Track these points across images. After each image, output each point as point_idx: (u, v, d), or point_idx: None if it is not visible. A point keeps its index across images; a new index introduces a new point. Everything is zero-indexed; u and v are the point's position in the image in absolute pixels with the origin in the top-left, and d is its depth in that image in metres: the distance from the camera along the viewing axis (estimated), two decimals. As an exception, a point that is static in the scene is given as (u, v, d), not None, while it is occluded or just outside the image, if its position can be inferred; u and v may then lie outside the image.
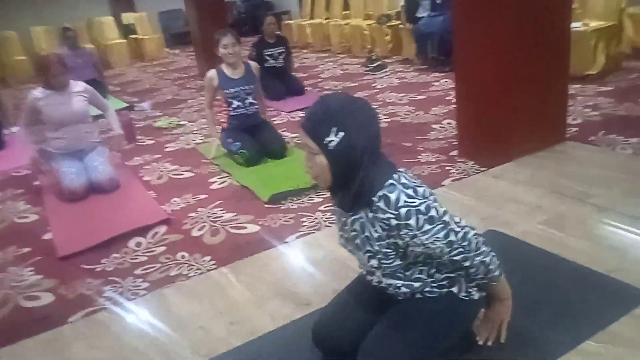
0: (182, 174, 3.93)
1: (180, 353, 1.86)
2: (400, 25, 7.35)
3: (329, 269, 2.25)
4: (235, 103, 3.91)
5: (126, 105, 6.49)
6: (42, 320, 2.28)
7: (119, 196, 3.61)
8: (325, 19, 9.60)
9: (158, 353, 1.87)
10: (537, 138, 3.18)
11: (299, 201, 3.16)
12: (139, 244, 2.89)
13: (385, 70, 6.85)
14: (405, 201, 1.32)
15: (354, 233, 1.45)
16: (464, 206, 2.64)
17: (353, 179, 1.36)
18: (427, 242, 1.34)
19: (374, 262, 1.44)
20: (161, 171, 4.05)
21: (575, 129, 3.61)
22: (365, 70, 6.97)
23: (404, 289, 1.48)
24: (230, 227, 2.95)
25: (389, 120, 4.61)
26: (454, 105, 4.71)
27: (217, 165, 3.98)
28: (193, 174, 3.90)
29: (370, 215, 1.38)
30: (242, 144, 3.82)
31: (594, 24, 4.99)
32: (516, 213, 2.49)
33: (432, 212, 1.33)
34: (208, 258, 2.63)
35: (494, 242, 1.95)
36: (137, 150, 4.66)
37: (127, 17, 12.18)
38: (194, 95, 6.89)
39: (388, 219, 1.33)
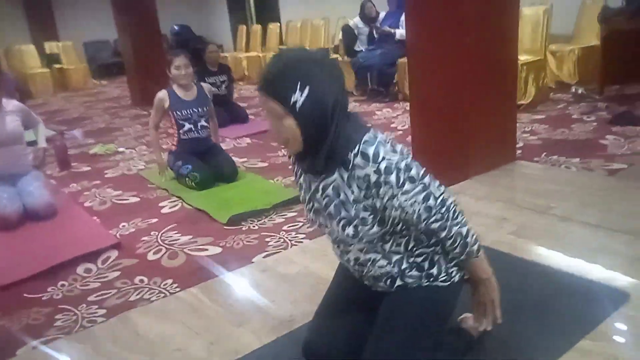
0: (127, 199, 3.71)
1: (157, 378, 1.69)
2: (339, 59, 7.50)
3: (307, 283, 2.16)
4: (187, 126, 3.76)
5: (54, 133, 6.10)
6: (-17, 355, 2.02)
7: (58, 222, 3.33)
8: (262, 51, 9.66)
9: (131, 379, 1.69)
10: (491, 158, 3.28)
11: (259, 222, 3.06)
12: (88, 270, 2.66)
13: (325, 100, 6.92)
14: (384, 156, 1.23)
15: (326, 200, 1.33)
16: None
17: (325, 138, 1.24)
18: (406, 204, 1.26)
19: (349, 231, 1.31)
20: (103, 197, 3.80)
21: (519, 151, 3.78)
22: (306, 101, 7.02)
23: (382, 262, 1.38)
24: (189, 249, 2.79)
25: (338, 145, 4.62)
26: (400, 132, 4.86)
27: (165, 190, 3.79)
28: (139, 199, 3.69)
29: (346, 175, 1.27)
30: (192, 166, 3.68)
31: (523, 58, 5.33)
32: (484, 225, 2.53)
33: (413, 171, 1.26)
34: (170, 281, 2.46)
35: None
36: (73, 177, 4.38)
37: (51, 46, 11.66)
38: (130, 123, 6.62)
39: (367, 175, 1.24)
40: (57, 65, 11.11)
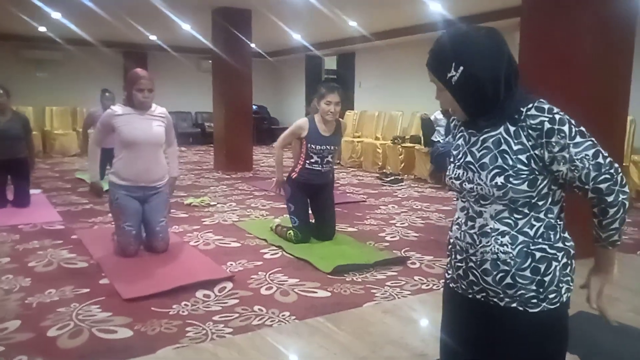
0: (229, 244, 3.93)
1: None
2: (417, 147, 7.81)
3: (433, 328, 2.24)
4: (315, 158, 3.86)
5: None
6: (126, 350, 2.18)
7: (172, 254, 3.55)
8: (337, 135, 10.14)
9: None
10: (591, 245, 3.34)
11: (362, 276, 3.18)
12: (207, 296, 2.83)
13: (401, 184, 7.16)
14: (558, 111, 1.35)
15: (483, 151, 1.40)
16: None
17: (484, 108, 1.37)
18: (576, 157, 1.31)
19: (499, 180, 1.35)
20: (206, 239, 4.03)
21: (612, 246, 3.81)
22: (382, 182, 7.27)
23: (506, 238, 1.38)
24: (299, 290, 2.93)
25: (423, 222, 4.77)
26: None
27: (263, 239, 4.00)
28: (240, 244, 3.91)
29: (513, 128, 1.37)
30: (299, 222, 3.86)
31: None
32: (597, 301, 2.56)
33: (582, 129, 1.34)
34: (287, 313, 2.59)
35: (588, 322, 2.01)
36: (173, 221, 4.65)
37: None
38: (215, 184, 7.01)
39: (541, 122, 1.32)
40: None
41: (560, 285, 1.41)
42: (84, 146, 6.53)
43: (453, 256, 1.54)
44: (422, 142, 7.73)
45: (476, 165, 1.42)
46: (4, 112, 4.96)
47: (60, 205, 5.29)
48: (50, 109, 11.33)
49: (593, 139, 1.34)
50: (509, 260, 1.39)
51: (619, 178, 1.33)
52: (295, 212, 3.89)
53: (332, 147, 3.90)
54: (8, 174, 5.13)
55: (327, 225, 3.99)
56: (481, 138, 1.42)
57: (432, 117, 7.60)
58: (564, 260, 1.42)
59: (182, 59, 12.37)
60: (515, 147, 1.36)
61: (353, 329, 2.24)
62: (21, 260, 3.43)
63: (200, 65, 13.12)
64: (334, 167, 4.12)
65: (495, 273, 1.40)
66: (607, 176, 1.32)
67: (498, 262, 1.40)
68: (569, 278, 1.44)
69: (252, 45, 8.75)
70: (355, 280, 3.11)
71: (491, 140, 1.40)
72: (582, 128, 1.34)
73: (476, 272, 1.44)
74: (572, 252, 1.43)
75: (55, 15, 8.08)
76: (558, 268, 1.40)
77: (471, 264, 1.45)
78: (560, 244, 1.41)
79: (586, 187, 1.34)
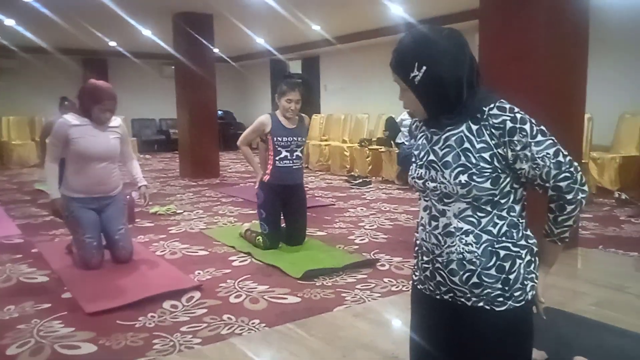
0: (196, 252, 3.86)
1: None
2: (382, 149, 7.85)
3: (403, 329, 2.24)
4: (284, 153, 3.78)
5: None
6: (91, 367, 2.11)
7: (138, 264, 3.47)
8: (304, 139, 10.12)
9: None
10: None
11: (332, 280, 3.17)
12: (174, 306, 2.77)
13: (370, 186, 7.19)
14: (519, 110, 1.37)
15: (445, 150, 1.41)
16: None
17: (447, 107, 1.39)
18: (537, 156, 1.34)
19: (463, 178, 1.36)
20: (172, 248, 3.95)
21: (575, 242, 3.90)
22: (350, 185, 7.28)
23: (470, 238, 1.39)
24: (269, 296, 2.90)
25: (392, 224, 4.78)
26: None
27: (232, 247, 3.94)
28: (208, 252, 3.84)
29: (476, 127, 1.38)
30: (269, 229, 3.80)
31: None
32: (563, 296, 2.62)
33: (543, 127, 1.37)
34: (257, 321, 2.55)
35: (554, 318, 2.04)
36: (139, 230, 4.55)
37: (102, 119, 12.31)
38: (181, 191, 6.88)
39: (503, 121, 1.35)
40: (107, 136, 11.67)
41: (525, 282, 1.42)
42: (43, 156, 6.37)
43: (420, 258, 1.54)
44: (392, 143, 7.75)
45: (439, 164, 1.42)
46: None
47: (19, 218, 5.11)
48: (7, 119, 10.97)
49: (553, 137, 1.36)
50: (474, 260, 1.40)
51: (578, 176, 1.36)
52: (266, 219, 3.83)
53: (299, 139, 3.85)
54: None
55: (298, 231, 3.95)
56: (443, 136, 1.43)
57: (397, 119, 7.67)
58: (528, 257, 1.44)
59: (144, 65, 12.17)
60: (478, 146, 1.37)
61: (324, 334, 2.22)
62: (-23, 276, 3.29)
63: (163, 71, 12.94)
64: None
65: (461, 273, 1.41)
66: (567, 174, 1.34)
67: (464, 262, 1.40)
68: (533, 275, 1.45)
69: (215, 50, 8.66)
70: (326, 285, 3.09)
71: (453, 138, 1.41)
72: (542, 127, 1.37)
73: (443, 273, 1.45)
74: (535, 249, 1.44)
75: (9, 22, 7.83)
76: (522, 266, 1.42)
77: (438, 265, 1.46)
78: (523, 242, 1.43)
79: (547, 184, 1.36)
